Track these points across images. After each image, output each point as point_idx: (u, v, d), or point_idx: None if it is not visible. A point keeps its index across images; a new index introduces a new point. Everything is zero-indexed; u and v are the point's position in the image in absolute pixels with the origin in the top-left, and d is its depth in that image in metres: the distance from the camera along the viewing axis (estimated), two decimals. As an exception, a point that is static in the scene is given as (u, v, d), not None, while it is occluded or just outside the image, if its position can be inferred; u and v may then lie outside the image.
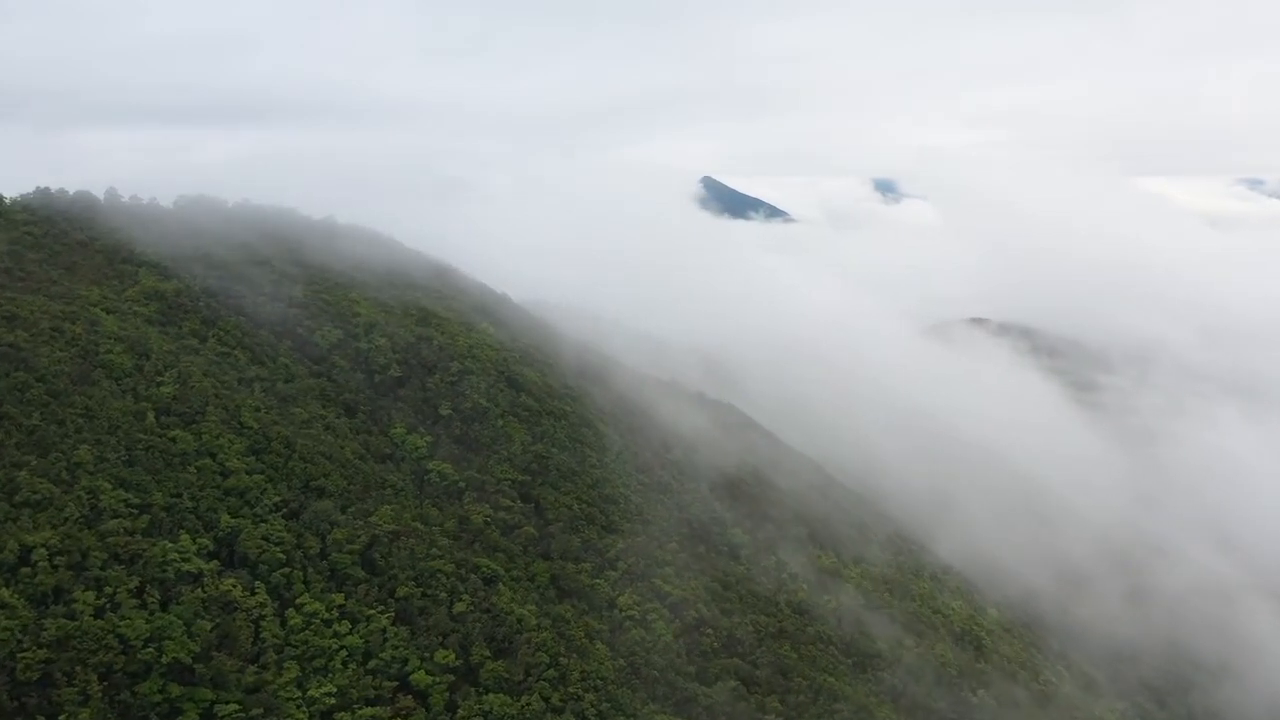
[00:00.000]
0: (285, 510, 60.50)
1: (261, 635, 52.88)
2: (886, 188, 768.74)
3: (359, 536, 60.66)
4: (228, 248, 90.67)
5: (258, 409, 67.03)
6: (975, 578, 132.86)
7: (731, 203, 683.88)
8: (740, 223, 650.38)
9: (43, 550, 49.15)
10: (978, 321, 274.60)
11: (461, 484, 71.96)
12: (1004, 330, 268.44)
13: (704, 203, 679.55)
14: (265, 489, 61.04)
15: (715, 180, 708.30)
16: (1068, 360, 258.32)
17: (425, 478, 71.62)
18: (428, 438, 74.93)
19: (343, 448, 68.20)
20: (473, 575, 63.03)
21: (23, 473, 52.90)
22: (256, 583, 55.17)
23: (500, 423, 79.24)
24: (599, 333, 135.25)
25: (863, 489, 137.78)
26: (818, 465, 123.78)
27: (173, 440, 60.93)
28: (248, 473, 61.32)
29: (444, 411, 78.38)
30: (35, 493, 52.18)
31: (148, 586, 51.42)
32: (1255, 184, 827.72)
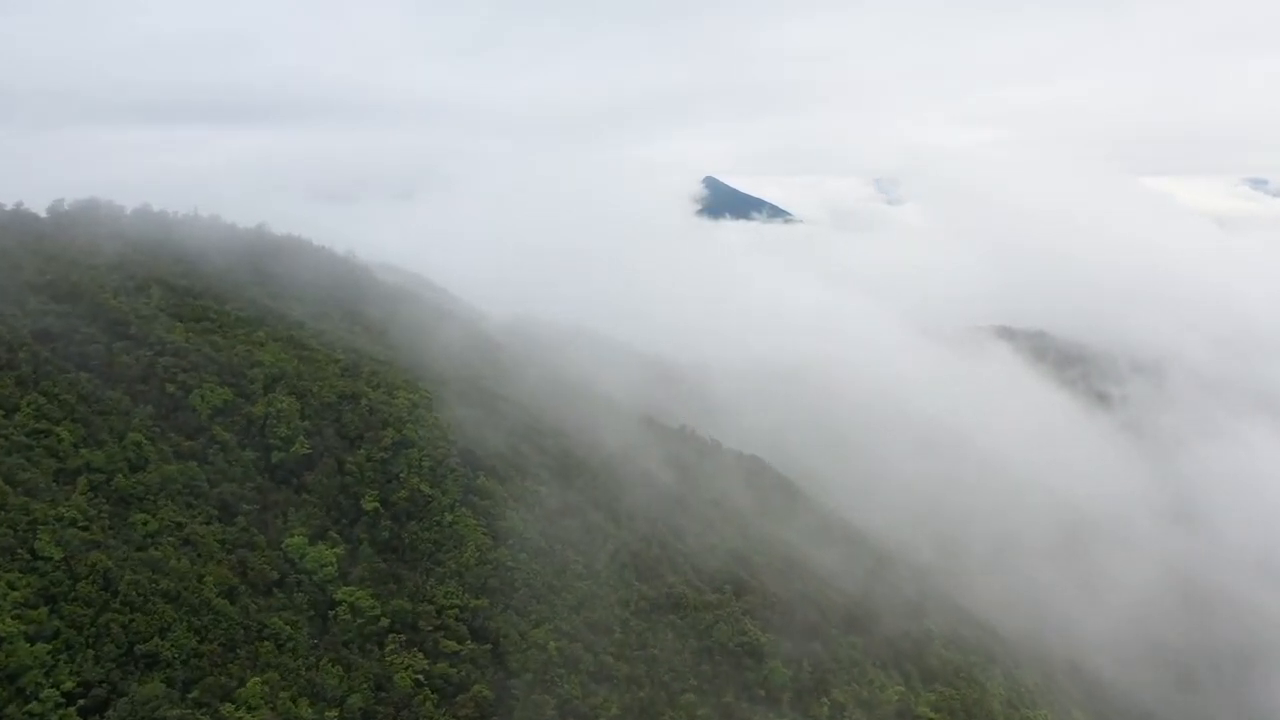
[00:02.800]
0: (84, 702, 38.23)
1: None
2: (891, 188, 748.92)
3: (201, 742, 38.35)
4: (95, 271, 68.31)
5: (71, 523, 44.65)
6: (1046, 655, 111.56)
7: (733, 203, 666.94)
8: (742, 224, 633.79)
9: None
10: (990, 330, 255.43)
11: (384, 621, 49.56)
12: (1015, 338, 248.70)
13: (706, 203, 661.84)
14: (55, 666, 38.76)
15: (717, 180, 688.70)
16: (1082, 369, 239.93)
17: (331, 614, 49.22)
18: (339, 549, 52.46)
19: (201, 578, 45.74)
20: (385, 792, 40.76)
21: None
22: None
23: (449, 518, 56.75)
24: (585, 358, 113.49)
25: (899, 539, 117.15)
26: (855, 529, 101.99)
27: (-93, 591, 38.64)
28: (29, 639, 39.02)
29: (368, 505, 55.94)
30: None
31: None
32: (1259, 184, 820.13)
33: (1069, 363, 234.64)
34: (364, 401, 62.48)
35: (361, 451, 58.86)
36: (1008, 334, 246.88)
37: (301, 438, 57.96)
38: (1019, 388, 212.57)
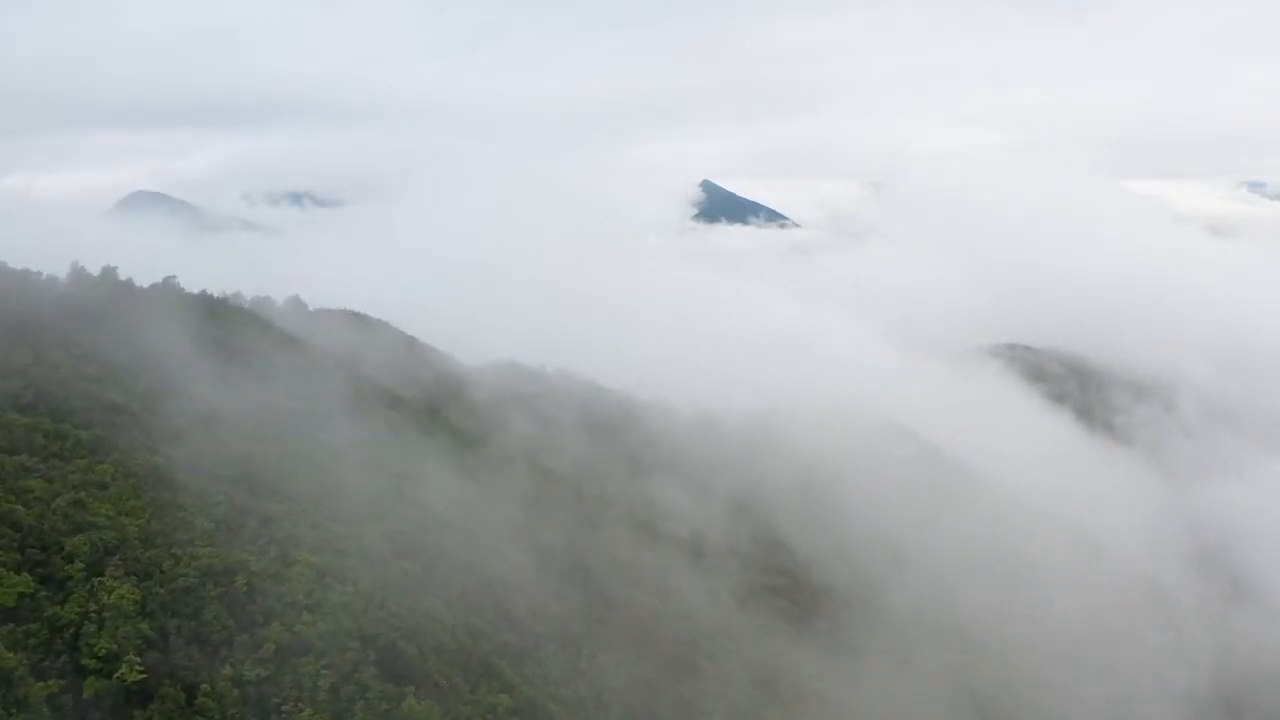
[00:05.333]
0: None
1: None
2: (887, 194, 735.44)
3: None
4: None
5: None
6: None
7: (730, 207, 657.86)
8: (738, 228, 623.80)
9: None
10: (987, 349, 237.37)
11: None
12: (1013, 360, 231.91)
13: (702, 207, 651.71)
14: None
15: (714, 184, 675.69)
16: (1086, 394, 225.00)
17: None
18: None
19: None
20: None
21: None
22: None
23: (353, 778, 37.66)
24: (573, 431, 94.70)
25: (931, 631, 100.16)
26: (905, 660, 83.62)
27: None
28: None
29: (226, 769, 36.79)
30: None
31: None
32: (1257, 186, 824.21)
33: (1073, 386, 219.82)
34: (241, 579, 43.20)
35: (227, 669, 39.61)
36: (1005, 353, 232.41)
37: (133, 655, 38.66)
38: (1028, 422, 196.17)
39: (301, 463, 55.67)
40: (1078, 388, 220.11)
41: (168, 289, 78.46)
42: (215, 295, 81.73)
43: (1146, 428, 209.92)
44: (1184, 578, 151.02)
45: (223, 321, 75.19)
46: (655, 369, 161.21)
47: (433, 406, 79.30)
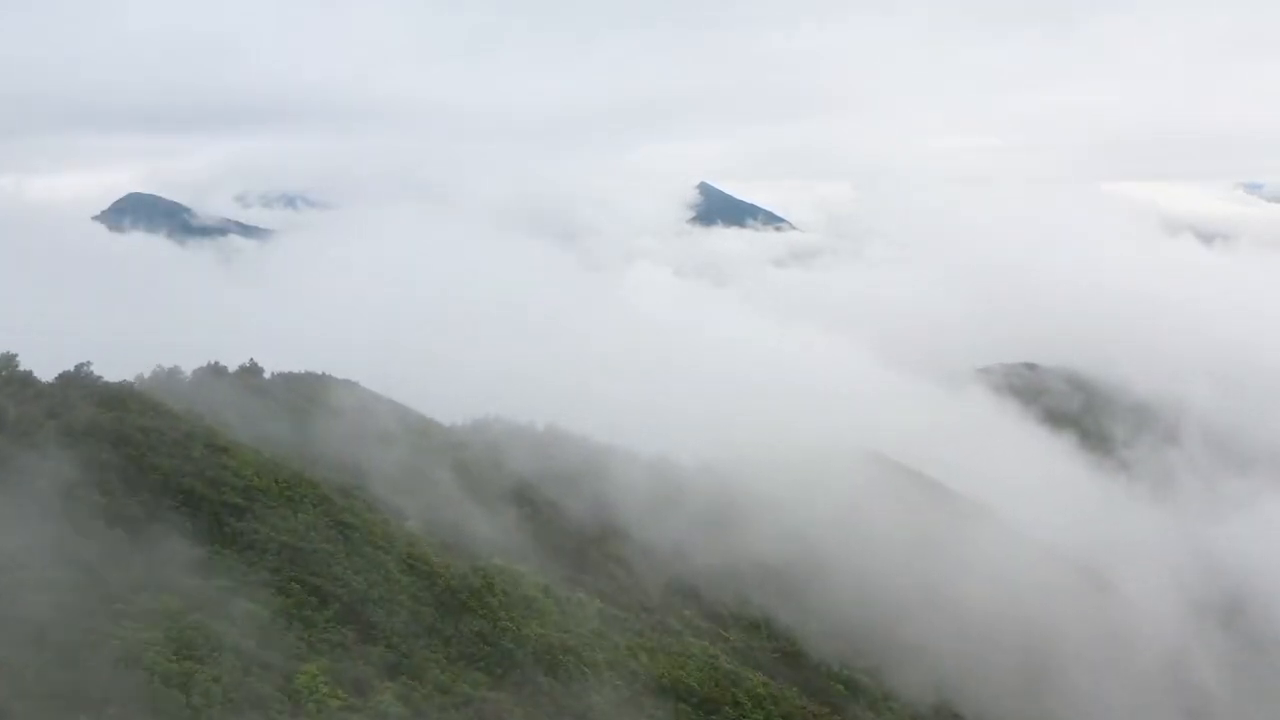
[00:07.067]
0: None
1: None
2: (886, 195, 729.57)
3: None
4: None
5: None
6: None
7: (727, 210, 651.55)
8: (735, 230, 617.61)
9: None
10: (988, 370, 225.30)
11: None
12: (1012, 384, 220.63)
13: (699, 210, 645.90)
14: None
15: (711, 186, 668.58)
16: (1099, 417, 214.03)
17: None
18: None
19: None
20: None
21: None
22: None
23: None
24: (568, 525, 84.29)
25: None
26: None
27: None
28: None
29: None
30: None
31: None
32: (1254, 187, 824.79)
33: (1076, 407, 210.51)
34: None
35: None
36: (1006, 373, 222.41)
37: None
38: (1040, 456, 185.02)
39: (211, 659, 45.50)
40: (1083, 410, 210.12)
41: (78, 383, 67.39)
42: (136, 384, 71.21)
43: (1156, 456, 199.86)
44: (1214, 638, 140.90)
45: (151, 442, 64.83)
46: (643, 409, 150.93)
47: (390, 529, 69.04)
